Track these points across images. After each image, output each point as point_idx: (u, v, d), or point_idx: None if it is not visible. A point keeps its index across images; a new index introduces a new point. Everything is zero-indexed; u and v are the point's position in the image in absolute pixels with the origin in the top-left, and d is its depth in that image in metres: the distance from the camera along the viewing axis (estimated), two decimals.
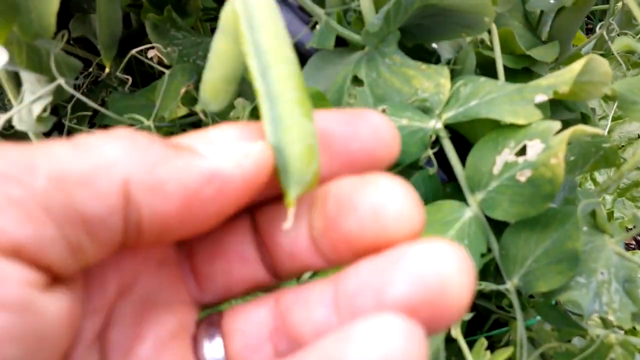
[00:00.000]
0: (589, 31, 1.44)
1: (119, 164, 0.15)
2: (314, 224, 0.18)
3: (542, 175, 0.34)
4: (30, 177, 0.13)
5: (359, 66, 0.44)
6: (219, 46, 0.22)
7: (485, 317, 0.51)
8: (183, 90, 0.54)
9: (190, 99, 0.56)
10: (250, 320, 0.18)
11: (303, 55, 0.46)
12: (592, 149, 0.43)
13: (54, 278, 0.14)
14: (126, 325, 0.17)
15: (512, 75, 0.51)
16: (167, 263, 0.19)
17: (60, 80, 0.35)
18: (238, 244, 0.19)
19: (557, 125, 0.35)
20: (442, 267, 0.15)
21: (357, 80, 0.44)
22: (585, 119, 0.57)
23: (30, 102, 0.36)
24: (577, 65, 0.37)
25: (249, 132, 0.18)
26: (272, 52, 0.19)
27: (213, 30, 0.74)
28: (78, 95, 0.37)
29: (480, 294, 0.47)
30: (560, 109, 0.57)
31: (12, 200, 0.13)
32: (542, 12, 0.60)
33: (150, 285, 0.18)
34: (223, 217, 0.17)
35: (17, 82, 0.40)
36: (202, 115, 0.51)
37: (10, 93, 0.40)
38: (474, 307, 0.49)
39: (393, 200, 0.16)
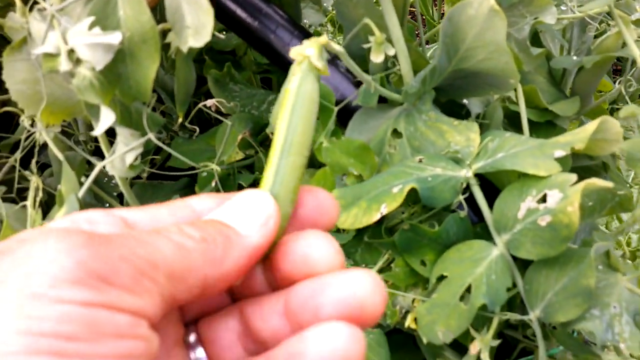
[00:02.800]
0: (617, 72, 1.48)
1: (200, 267, 0.22)
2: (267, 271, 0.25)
3: (560, 220, 0.39)
4: (156, 274, 0.20)
5: (398, 121, 0.50)
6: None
7: (513, 346, 0.55)
8: (240, 137, 0.61)
9: (246, 144, 0.63)
10: (222, 328, 0.25)
11: (350, 110, 0.53)
12: (608, 196, 0.48)
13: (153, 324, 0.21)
14: None
15: (537, 127, 0.57)
16: None
17: (151, 135, 0.42)
18: None
19: (574, 177, 0.41)
20: (359, 290, 0.22)
21: (396, 133, 0.50)
22: (605, 166, 0.62)
23: (124, 152, 0.43)
24: (591, 126, 0.42)
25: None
26: (296, 143, 0.25)
27: (264, 81, 0.81)
28: (164, 147, 0.44)
29: (507, 324, 0.52)
30: (582, 157, 0.62)
31: (146, 289, 0.20)
32: (565, 68, 0.66)
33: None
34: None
35: (109, 135, 0.48)
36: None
37: (102, 144, 0.47)
38: (502, 337, 0.54)
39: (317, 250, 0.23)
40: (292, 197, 0.25)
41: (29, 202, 0.43)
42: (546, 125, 0.57)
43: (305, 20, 0.85)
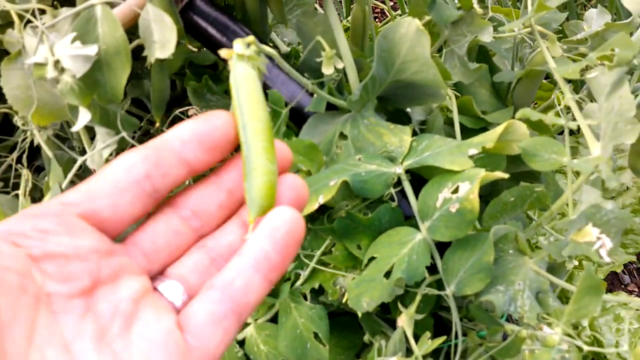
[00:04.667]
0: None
1: None
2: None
3: (465, 207, 0.46)
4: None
5: (345, 125, 0.57)
6: None
7: (450, 329, 0.62)
8: None
9: None
10: (190, 262, 0.29)
11: (304, 116, 0.60)
12: (527, 192, 0.55)
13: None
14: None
15: (473, 133, 0.64)
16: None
17: (124, 134, 0.50)
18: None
19: (482, 171, 0.48)
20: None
21: (343, 135, 0.57)
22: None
23: (102, 149, 0.50)
24: (499, 129, 0.49)
25: None
26: (249, 113, 0.30)
27: None
28: (136, 144, 0.51)
29: (441, 307, 0.59)
30: (518, 162, 0.69)
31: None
32: (510, 82, 0.73)
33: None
34: None
35: (90, 134, 0.55)
36: None
37: (84, 141, 0.54)
38: (437, 318, 0.60)
39: None
40: (267, 155, 0.30)
41: (20, 192, 0.51)
42: (481, 132, 0.64)
43: (285, 39, 0.93)
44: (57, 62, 0.47)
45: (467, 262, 0.48)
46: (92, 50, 0.46)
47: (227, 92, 0.79)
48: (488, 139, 0.50)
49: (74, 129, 0.47)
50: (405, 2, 1.55)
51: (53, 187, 0.50)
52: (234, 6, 0.68)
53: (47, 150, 0.58)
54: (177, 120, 0.68)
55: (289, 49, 0.93)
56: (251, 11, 0.66)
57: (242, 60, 0.32)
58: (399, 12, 1.53)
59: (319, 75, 0.63)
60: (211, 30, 0.62)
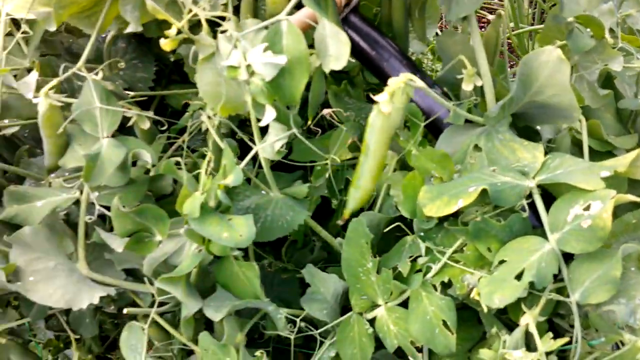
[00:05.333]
0: None
1: None
2: None
3: (597, 224, 0.51)
4: None
5: (479, 138, 0.63)
6: None
7: (560, 335, 0.66)
8: (350, 141, 0.76)
9: (354, 147, 0.78)
10: None
11: (442, 127, 0.67)
12: None
13: None
14: None
15: (599, 155, 0.68)
16: None
17: (295, 130, 0.58)
18: None
19: (613, 192, 0.52)
20: None
21: (477, 147, 0.63)
22: None
23: (274, 141, 0.59)
24: (631, 155, 0.54)
25: None
26: (372, 152, 0.44)
27: (369, 97, 0.96)
28: (303, 139, 0.59)
29: (556, 314, 0.64)
30: (636, 184, 0.73)
31: None
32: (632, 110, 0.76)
33: None
34: None
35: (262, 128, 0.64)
36: None
37: (255, 133, 0.63)
38: (552, 325, 0.65)
39: None
40: (371, 185, 0.44)
41: (202, 171, 0.60)
42: (606, 155, 0.68)
43: (409, 49, 1.00)
44: (248, 67, 0.56)
45: (593, 274, 0.53)
46: (281, 59, 0.54)
47: (359, 97, 0.87)
48: (620, 163, 0.54)
49: (262, 123, 0.55)
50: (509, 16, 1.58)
51: (235, 170, 0.58)
52: (380, 22, 0.76)
53: (215, 136, 0.67)
54: (322, 120, 0.76)
55: (412, 58, 0.99)
56: (397, 28, 0.73)
57: (381, 115, 0.43)
58: None
59: (456, 89, 0.70)
60: (362, 44, 0.70)
